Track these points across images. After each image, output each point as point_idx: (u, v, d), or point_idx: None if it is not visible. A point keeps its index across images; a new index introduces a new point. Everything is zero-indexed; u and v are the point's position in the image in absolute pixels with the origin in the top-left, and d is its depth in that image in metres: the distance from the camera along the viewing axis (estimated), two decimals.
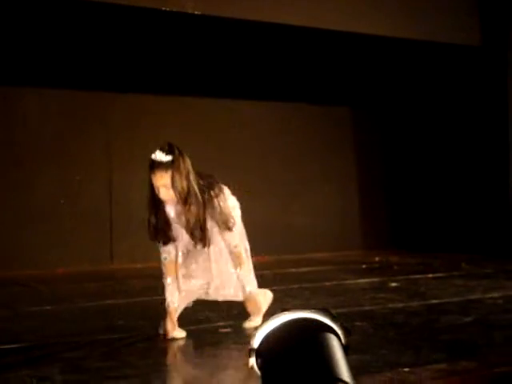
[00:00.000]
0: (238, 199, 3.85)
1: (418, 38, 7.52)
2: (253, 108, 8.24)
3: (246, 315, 3.82)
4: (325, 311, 1.64)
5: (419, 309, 4.33)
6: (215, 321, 3.92)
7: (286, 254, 8.07)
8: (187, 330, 3.60)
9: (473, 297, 4.74)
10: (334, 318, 1.62)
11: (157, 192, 3.46)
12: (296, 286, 5.46)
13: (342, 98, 8.76)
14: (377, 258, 7.69)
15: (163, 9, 6.17)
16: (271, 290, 5.18)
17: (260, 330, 1.59)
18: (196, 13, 6.28)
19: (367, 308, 4.31)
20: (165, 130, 7.12)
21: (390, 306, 4.40)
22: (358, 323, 3.76)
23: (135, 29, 6.93)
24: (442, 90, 8.52)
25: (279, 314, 1.63)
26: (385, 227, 9.12)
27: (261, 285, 5.44)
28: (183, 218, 3.54)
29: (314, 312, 1.60)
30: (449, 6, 7.71)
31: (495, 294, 4.82)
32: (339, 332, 1.58)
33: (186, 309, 3.73)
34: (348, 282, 5.69)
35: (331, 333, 1.57)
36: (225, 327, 3.76)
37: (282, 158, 8.39)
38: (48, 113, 7.25)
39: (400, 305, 4.46)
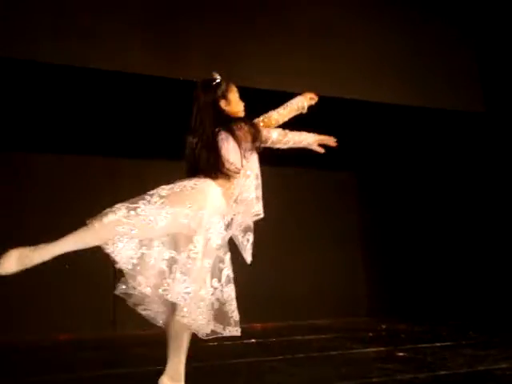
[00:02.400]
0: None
1: (420, 104, 7.62)
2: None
3: None
4: None
5: (428, 380, 4.22)
6: None
7: (289, 320, 7.97)
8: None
9: (481, 367, 4.62)
10: None
11: (242, 105, 3.48)
12: (302, 355, 5.36)
13: (346, 163, 8.80)
14: (383, 326, 7.57)
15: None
16: (276, 360, 5.12)
17: None
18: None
19: (375, 380, 4.20)
20: None
21: (399, 377, 4.29)
22: None
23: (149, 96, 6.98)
24: (448, 155, 8.56)
25: None
26: (390, 294, 9.02)
27: (267, 353, 5.38)
28: None
29: None
30: (450, 73, 7.82)
31: (504, 365, 4.71)
32: None
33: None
34: (354, 351, 5.58)
35: None
36: None
37: (285, 223, 8.37)
38: (55, 175, 7.28)
39: (408, 376, 4.36)
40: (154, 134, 7.45)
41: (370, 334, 6.92)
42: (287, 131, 3.57)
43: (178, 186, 3.29)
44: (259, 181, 3.61)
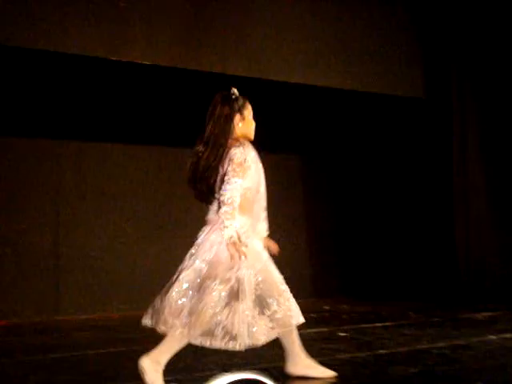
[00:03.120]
0: None
1: (363, 89, 7.70)
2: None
3: (193, 368, 3.76)
4: (264, 371, 1.63)
5: (367, 359, 4.33)
6: None
7: None
8: None
9: (420, 347, 4.76)
10: (274, 379, 1.62)
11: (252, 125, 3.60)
12: None
13: (292, 146, 8.85)
14: (326, 307, 7.69)
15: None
16: None
17: None
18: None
19: (316, 359, 4.27)
20: (112, 181, 7.08)
21: (338, 357, 4.38)
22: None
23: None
24: (388, 140, 8.71)
25: (220, 376, 1.62)
26: (334, 275, 9.14)
27: None
28: None
29: (254, 373, 1.60)
30: (393, 59, 7.92)
31: (442, 344, 4.86)
32: None
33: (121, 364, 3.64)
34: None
35: None
36: (170, 382, 3.67)
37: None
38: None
39: (348, 355, 4.46)
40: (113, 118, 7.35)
41: (313, 315, 7.01)
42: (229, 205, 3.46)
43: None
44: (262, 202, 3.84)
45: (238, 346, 3.25)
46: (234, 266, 3.42)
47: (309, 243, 9.12)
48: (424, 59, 8.24)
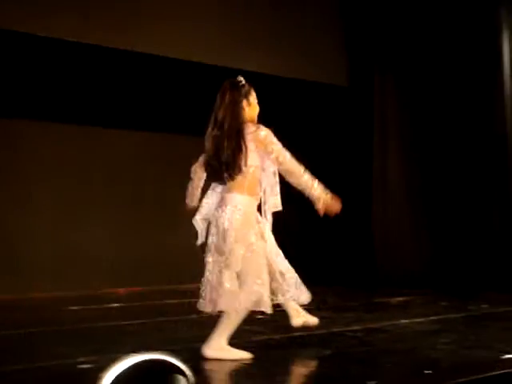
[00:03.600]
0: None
1: (287, 75, 7.78)
2: (123, 138, 8.15)
3: (107, 350, 3.75)
4: (172, 352, 1.65)
5: (282, 341, 4.41)
6: (73, 356, 3.79)
7: (157, 284, 7.99)
8: (42, 368, 3.47)
9: (335, 329, 4.87)
10: (183, 360, 1.64)
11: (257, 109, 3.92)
12: (163, 318, 5.43)
13: None
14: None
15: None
16: (140, 324, 5.16)
17: (109, 371, 1.58)
18: (66, 39, 6.22)
19: (232, 341, 4.33)
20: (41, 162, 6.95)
21: (254, 339, 4.45)
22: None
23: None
24: (312, 127, 8.81)
25: (128, 356, 1.62)
26: None
27: (130, 317, 5.40)
28: None
29: (162, 354, 1.61)
30: (318, 47, 8.03)
31: (356, 327, 5.00)
32: (187, 373, 1.60)
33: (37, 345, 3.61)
34: (215, 314, 5.69)
35: (180, 374, 1.58)
36: (84, 363, 3.66)
37: (155, 191, 8.34)
38: None
39: (264, 337, 4.53)
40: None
41: None
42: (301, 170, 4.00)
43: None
44: (277, 178, 3.98)
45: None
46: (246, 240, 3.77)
47: None
48: (348, 48, 8.38)
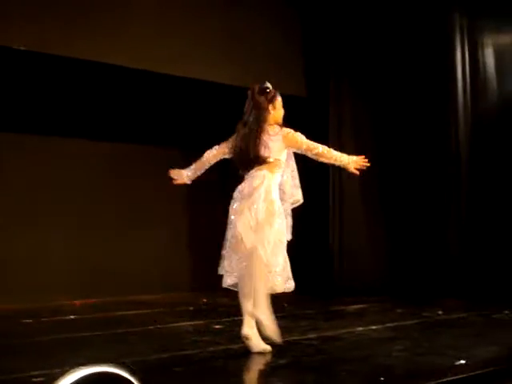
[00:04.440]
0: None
1: (244, 85, 7.78)
2: (83, 147, 8.09)
3: (62, 363, 3.69)
4: (121, 364, 1.65)
5: (239, 351, 4.41)
6: (27, 370, 3.73)
7: (112, 296, 7.92)
8: None
9: (291, 338, 4.89)
10: (131, 371, 1.64)
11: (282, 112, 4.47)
12: (120, 330, 5.38)
13: (172, 139, 8.82)
14: (204, 300, 7.76)
15: None
16: (96, 336, 5.10)
17: None
18: (23, 49, 6.15)
19: (188, 352, 4.32)
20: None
21: (211, 349, 4.45)
22: (176, 369, 3.76)
23: None
24: None
25: (76, 369, 1.61)
26: (214, 268, 9.20)
27: (86, 329, 5.35)
28: None
29: (110, 366, 1.61)
30: (276, 57, 8.07)
31: (312, 335, 5.03)
32: None
33: None
34: (172, 325, 5.68)
35: None
36: (38, 376, 3.61)
37: (110, 199, 8.28)
38: None
39: (221, 347, 4.53)
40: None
41: (191, 309, 7.07)
42: (328, 149, 4.54)
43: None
44: (295, 172, 4.57)
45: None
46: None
47: (189, 237, 9.16)
48: (306, 58, 8.45)
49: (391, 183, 8.36)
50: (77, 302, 7.49)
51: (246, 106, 4.49)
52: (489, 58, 8.10)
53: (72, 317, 6.34)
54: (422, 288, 7.83)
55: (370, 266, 8.19)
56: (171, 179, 4.79)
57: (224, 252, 4.51)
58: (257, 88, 4.47)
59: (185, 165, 9.04)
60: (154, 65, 7.08)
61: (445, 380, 3.42)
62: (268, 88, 4.46)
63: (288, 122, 8.86)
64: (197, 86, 7.72)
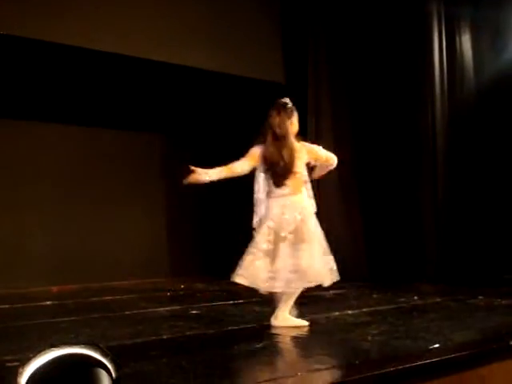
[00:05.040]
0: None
1: (225, 71, 7.78)
2: (60, 132, 8.03)
3: (37, 347, 3.67)
4: (94, 346, 1.63)
5: (215, 336, 4.42)
6: (1, 354, 3.71)
7: (92, 282, 7.90)
8: None
9: (268, 323, 4.90)
10: (103, 353, 1.62)
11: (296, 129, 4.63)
12: (96, 315, 5.36)
13: (154, 124, 8.79)
14: (182, 286, 7.75)
15: None
16: (72, 321, 5.08)
17: (28, 366, 1.55)
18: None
19: (164, 337, 4.32)
20: None
21: (188, 333, 4.45)
22: (153, 353, 3.76)
23: None
24: (251, 124, 8.80)
25: (47, 351, 1.59)
26: (192, 254, 9.22)
27: (62, 315, 5.32)
28: None
29: (83, 347, 1.59)
30: (254, 43, 8.05)
31: None
32: (109, 366, 1.58)
33: None
34: (149, 310, 5.68)
35: (101, 367, 1.57)
36: (13, 361, 3.58)
37: (90, 184, 8.24)
38: None
39: (198, 332, 4.53)
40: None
41: (168, 294, 7.06)
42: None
43: None
44: (309, 184, 4.80)
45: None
46: None
47: (167, 223, 9.14)
48: (284, 45, 8.43)
49: (368, 171, 8.39)
50: (54, 288, 7.46)
51: (271, 118, 4.64)
52: (466, 46, 8.14)
53: (48, 303, 6.31)
54: (398, 273, 7.89)
55: (347, 251, 8.21)
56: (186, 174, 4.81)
57: None
58: (278, 104, 4.67)
59: (163, 150, 9.11)
60: (132, 49, 7.03)
61: (419, 363, 3.45)
62: (287, 104, 4.67)
63: (267, 108, 8.90)
64: (176, 71, 7.68)
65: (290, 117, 4.63)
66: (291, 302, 4.70)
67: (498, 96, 7.89)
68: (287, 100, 4.70)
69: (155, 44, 7.18)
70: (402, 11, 8.16)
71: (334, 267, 4.70)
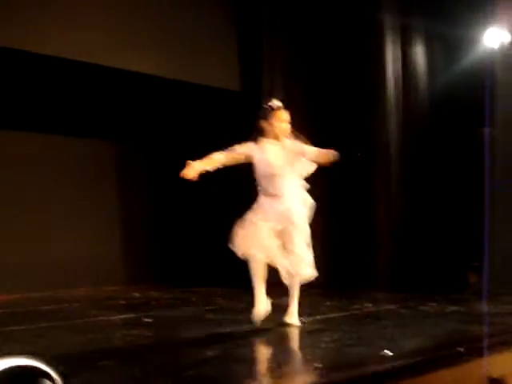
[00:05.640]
0: None
1: (179, 78, 7.75)
2: (9, 138, 7.88)
3: None
4: (40, 356, 1.60)
5: (168, 345, 4.38)
6: None
7: (44, 290, 7.77)
8: None
9: (222, 331, 4.89)
10: (49, 363, 1.58)
11: (283, 130, 4.81)
12: (46, 324, 5.27)
13: (108, 131, 8.69)
14: (136, 294, 7.68)
15: None
16: (21, 330, 4.98)
17: None
18: None
19: (117, 345, 4.27)
20: None
21: (140, 342, 4.40)
22: (103, 362, 3.70)
23: None
24: (207, 132, 8.78)
25: None
26: (147, 262, 9.14)
27: (8, 324, 5.21)
28: None
29: (28, 358, 1.55)
30: (211, 50, 8.05)
31: (244, 328, 5.02)
32: (55, 377, 1.55)
33: None
34: (102, 318, 5.60)
35: (46, 378, 1.53)
36: None
37: (40, 191, 8.11)
38: None
39: (149, 341, 4.48)
40: None
41: (122, 302, 6.98)
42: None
43: None
44: None
45: None
46: None
47: (121, 231, 9.05)
48: (240, 52, 8.44)
49: (324, 179, 8.43)
50: (1, 297, 7.30)
51: (259, 122, 4.93)
52: (419, 57, 8.27)
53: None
54: (351, 281, 7.95)
55: None
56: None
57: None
58: (266, 105, 4.90)
59: (117, 157, 9.01)
60: (86, 55, 6.94)
61: (371, 370, 3.47)
62: (265, 106, 4.88)
63: (221, 115, 8.93)
64: (131, 78, 7.62)
65: (265, 118, 4.84)
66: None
67: (451, 106, 8.03)
68: (274, 101, 4.88)
69: (109, 50, 7.11)
70: (356, 22, 8.26)
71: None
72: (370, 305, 6.41)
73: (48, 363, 1.49)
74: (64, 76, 7.40)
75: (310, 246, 5.07)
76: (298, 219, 4.90)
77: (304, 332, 4.86)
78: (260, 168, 4.91)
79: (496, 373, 3.80)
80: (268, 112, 4.84)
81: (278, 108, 4.86)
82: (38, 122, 7.95)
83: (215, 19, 8.23)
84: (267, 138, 4.86)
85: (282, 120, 4.86)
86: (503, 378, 3.60)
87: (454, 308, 6.01)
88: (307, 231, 5.00)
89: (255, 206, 4.94)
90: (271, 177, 4.89)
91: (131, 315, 5.84)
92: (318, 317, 5.61)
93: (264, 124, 4.86)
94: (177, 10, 7.78)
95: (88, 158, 8.66)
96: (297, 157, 4.89)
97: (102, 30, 7.04)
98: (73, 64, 6.89)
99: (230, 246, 4.92)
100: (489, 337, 4.25)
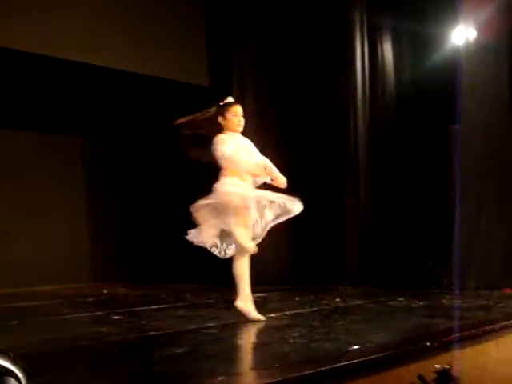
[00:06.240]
0: None
1: (148, 73, 7.71)
2: None
3: None
4: (3, 354, 1.58)
5: (136, 341, 4.36)
6: None
7: (9, 287, 7.67)
8: None
9: (190, 327, 4.88)
10: (13, 361, 1.56)
11: (239, 123, 5.11)
12: (12, 321, 5.20)
13: (74, 126, 8.61)
14: (105, 291, 7.63)
15: None
16: None
17: None
18: None
19: (84, 343, 4.23)
20: None
21: (108, 339, 4.36)
22: (72, 360, 3.67)
23: None
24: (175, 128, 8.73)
25: None
26: (115, 260, 9.09)
27: None
28: None
29: None
30: (181, 46, 8.02)
31: (211, 324, 5.03)
32: (19, 375, 1.53)
33: None
34: (69, 316, 5.55)
35: (10, 376, 1.52)
36: None
37: (6, 187, 8.00)
38: None
39: (118, 338, 4.45)
40: None
41: (90, 299, 6.93)
42: None
43: None
44: None
45: None
46: None
47: (89, 228, 8.98)
48: (209, 48, 8.42)
49: (292, 175, 8.45)
50: None
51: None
52: (387, 54, 8.33)
53: None
54: (320, 276, 7.99)
55: (270, 255, 8.26)
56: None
57: None
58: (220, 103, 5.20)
59: (84, 153, 8.93)
60: (50, 49, 6.86)
61: (339, 365, 3.49)
62: (220, 102, 5.21)
63: (191, 111, 8.85)
64: (97, 72, 7.55)
65: (220, 113, 5.13)
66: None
67: (418, 103, 8.11)
68: (228, 98, 5.27)
69: (76, 45, 7.04)
70: (325, 19, 8.29)
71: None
72: (339, 300, 6.46)
73: (13, 361, 1.47)
74: (34, 71, 7.32)
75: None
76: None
77: (273, 327, 4.87)
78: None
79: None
80: (223, 108, 5.15)
81: (232, 104, 5.19)
82: (1, 117, 7.84)
83: (184, 14, 8.21)
84: (225, 132, 5.13)
85: (236, 114, 5.15)
86: (448, 368, 3.63)
87: (421, 303, 6.08)
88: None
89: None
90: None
91: (100, 312, 5.79)
92: (287, 312, 5.63)
93: (221, 120, 5.14)
94: (146, 4, 7.72)
95: (56, 154, 8.57)
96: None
97: (74, 26, 6.97)
98: (40, 59, 6.81)
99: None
100: (454, 331, 4.31)
